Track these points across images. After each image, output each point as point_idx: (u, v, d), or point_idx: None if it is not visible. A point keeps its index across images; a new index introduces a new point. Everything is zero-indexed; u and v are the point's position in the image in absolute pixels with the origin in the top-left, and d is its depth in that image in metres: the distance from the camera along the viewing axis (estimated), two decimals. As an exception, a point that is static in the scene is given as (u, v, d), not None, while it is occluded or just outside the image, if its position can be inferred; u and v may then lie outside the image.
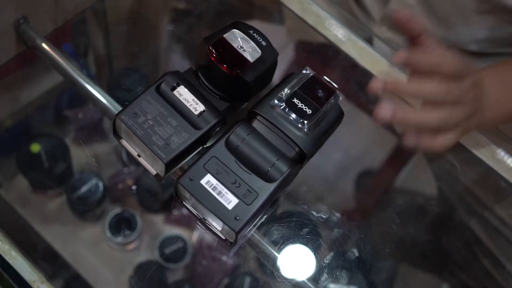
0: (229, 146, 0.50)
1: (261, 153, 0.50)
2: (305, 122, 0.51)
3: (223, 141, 0.50)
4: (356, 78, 0.80)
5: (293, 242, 0.61)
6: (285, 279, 0.59)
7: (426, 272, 0.76)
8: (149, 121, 0.49)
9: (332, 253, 0.64)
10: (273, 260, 0.58)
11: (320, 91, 0.53)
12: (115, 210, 0.85)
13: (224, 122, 0.52)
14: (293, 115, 0.51)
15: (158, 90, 0.51)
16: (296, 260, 0.61)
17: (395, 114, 0.53)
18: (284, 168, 0.50)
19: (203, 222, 0.51)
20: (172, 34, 0.87)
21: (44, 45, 0.64)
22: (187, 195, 0.49)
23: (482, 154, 0.69)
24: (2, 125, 0.84)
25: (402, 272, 0.74)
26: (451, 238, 0.74)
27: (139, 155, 0.52)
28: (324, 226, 0.68)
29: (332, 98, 0.53)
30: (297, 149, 0.51)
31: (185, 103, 0.51)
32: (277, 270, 0.59)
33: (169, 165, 0.49)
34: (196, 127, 0.50)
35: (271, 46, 0.54)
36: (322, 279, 0.62)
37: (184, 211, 0.86)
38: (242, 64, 0.51)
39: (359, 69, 0.74)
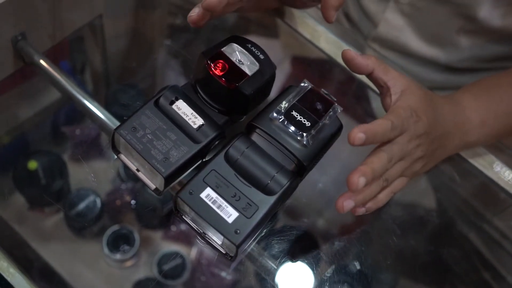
0: (229, 160, 0.50)
1: (261, 166, 0.50)
2: (304, 134, 0.51)
3: (222, 154, 0.50)
4: (353, 91, 0.80)
5: (294, 256, 0.61)
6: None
7: (426, 284, 0.75)
8: (148, 135, 0.49)
9: (333, 267, 0.63)
10: (274, 275, 0.57)
11: (319, 103, 0.53)
12: (113, 226, 0.84)
13: (223, 136, 0.52)
14: (292, 128, 0.51)
15: (156, 104, 0.51)
16: (297, 274, 0.61)
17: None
18: (284, 181, 0.50)
19: (203, 236, 0.50)
20: (170, 50, 0.87)
21: (42, 61, 0.64)
22: (187, 209, 0.49)
23: (481, 165, 0.69)
24: (-1, 141, 0.84)
25: (402, 284, 0.73)
26: (451, 250, 0.74)
27: (138, 170, 0.51)
28: (324, 239, 0.68)
29: (330, 110, 0.53)
30: (296, 161, 0.51)
31: (184, 117, 0.51)
32: (278, 285, 0.58)
33: (168, 179, 0.48)
34: (195, 140, 0.50)
35: (269, 59, 0.54)
36: (323, 293, 0.61)
37: (183, 226, 0.85)
38: (241, 78, 0.52)
39: (356, 82, 0.75)
